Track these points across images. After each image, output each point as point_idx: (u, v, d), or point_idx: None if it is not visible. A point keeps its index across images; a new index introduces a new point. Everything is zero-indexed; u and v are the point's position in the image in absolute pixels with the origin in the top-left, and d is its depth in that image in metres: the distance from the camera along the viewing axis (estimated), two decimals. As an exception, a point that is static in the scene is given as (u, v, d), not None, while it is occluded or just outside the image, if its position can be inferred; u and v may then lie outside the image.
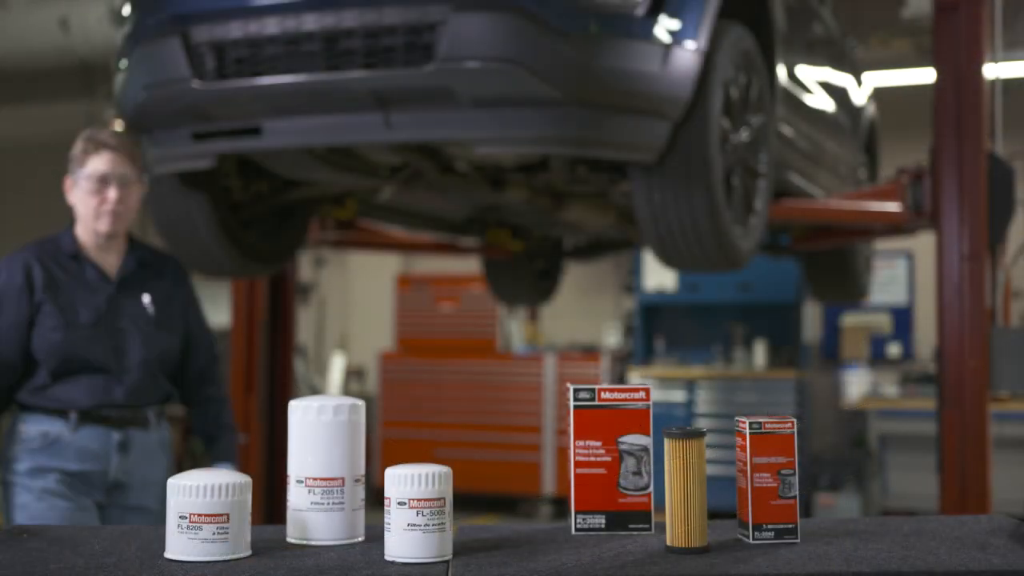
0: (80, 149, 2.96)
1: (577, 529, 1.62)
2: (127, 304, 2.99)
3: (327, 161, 3.71)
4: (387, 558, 1.43)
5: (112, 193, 2.92)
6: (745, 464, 1.56)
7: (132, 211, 3.00)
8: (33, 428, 2.88)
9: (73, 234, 3.01)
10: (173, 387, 3.14)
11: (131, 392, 2.95)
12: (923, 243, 6.72)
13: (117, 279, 3.00)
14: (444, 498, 1.44)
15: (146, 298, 3.02)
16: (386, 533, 1.44)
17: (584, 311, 10.24)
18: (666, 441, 1.50)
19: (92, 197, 2.93)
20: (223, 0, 3.24)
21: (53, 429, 2.88)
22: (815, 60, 4.67)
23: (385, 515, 1.44)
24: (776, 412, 3.18)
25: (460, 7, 2.93)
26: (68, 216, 3.06)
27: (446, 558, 1.43)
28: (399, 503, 1.43)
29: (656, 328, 9.26)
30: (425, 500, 1.42)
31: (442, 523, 1.43)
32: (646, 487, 1.62)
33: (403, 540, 1.42)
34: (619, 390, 1.63)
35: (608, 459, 1.62)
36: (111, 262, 3.01)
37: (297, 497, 1.53)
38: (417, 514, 1.42)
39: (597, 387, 1.63)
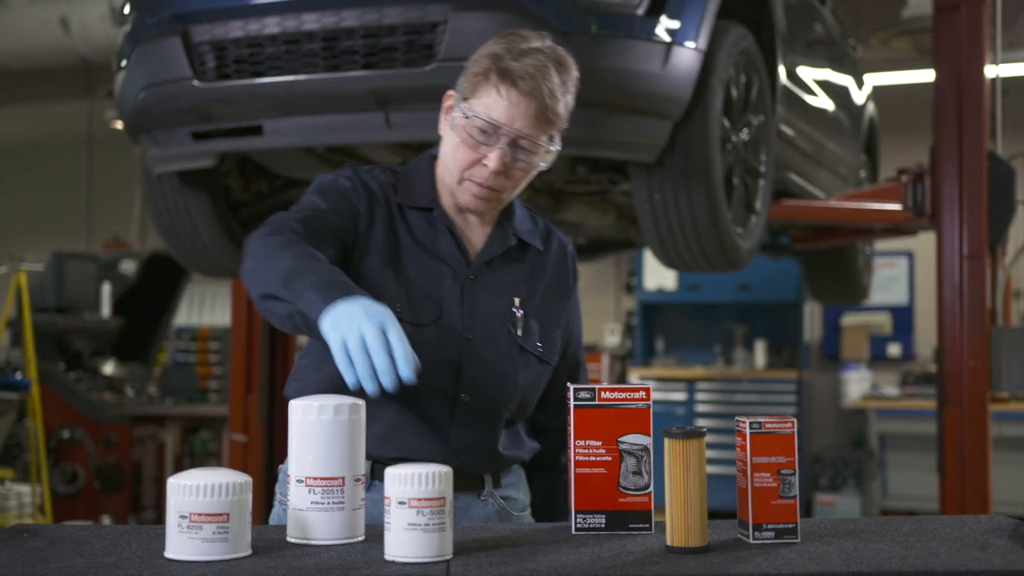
0: (481, 67, 1.83)
1: (577, 529, 1.62)
2: (485, 301, 1.90)
3: (327, 161, 3.71)
4: (387, 557, 1.43)
5: (493, 158, 1.81)
6: (745, 464, 1.56)
7: (518, 188, 1.90)
8: None
9: (433, 174, 1.95)
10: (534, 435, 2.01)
11: (463, 445, 1.86)
12: (923, 243, 6.72)
13: (479, 261, 1.92)
14: (444, 498, 1.44)
15: (515, 299, 1.93)
16: (386, 533, 1.44)
17: (584, 311, 10.21)
18: (666, 441, 1.50)
19: (465, 149, 1.84)
20: (223, 0, 3.24)
21: None
22: (815, 60, 4.67)
23: (385, 515, 1.44)
24: (776, 412, 3.19)
25: (461, 6, 2.94)
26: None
27: (446, 558, 1.43)
28: (399, 503, 1.43)
29: (656, 328, 9.26)
30: (425, 500, 1.42)
31: (442, 523, 1.43)
32: (646, 487, 1.62)
33: (403, 540, 1.42)
34: (619, 390, 1.63)
35: (608, 459, 1.62)
36: (476, 232, 1.94)
37: (297, 497, 1.53)
38: (417, 513, 1.42)
39: (597, 387, 1.63)
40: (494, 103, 1.80)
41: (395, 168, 1.98)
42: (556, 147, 1.87)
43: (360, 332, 1.50)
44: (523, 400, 1.93)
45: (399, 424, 1.84)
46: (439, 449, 1.84)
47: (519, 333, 1.91)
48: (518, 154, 1.83)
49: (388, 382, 1.48)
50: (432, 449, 1.83)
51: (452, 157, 1.87)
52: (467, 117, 1.82)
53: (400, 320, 1.75)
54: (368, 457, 1.68)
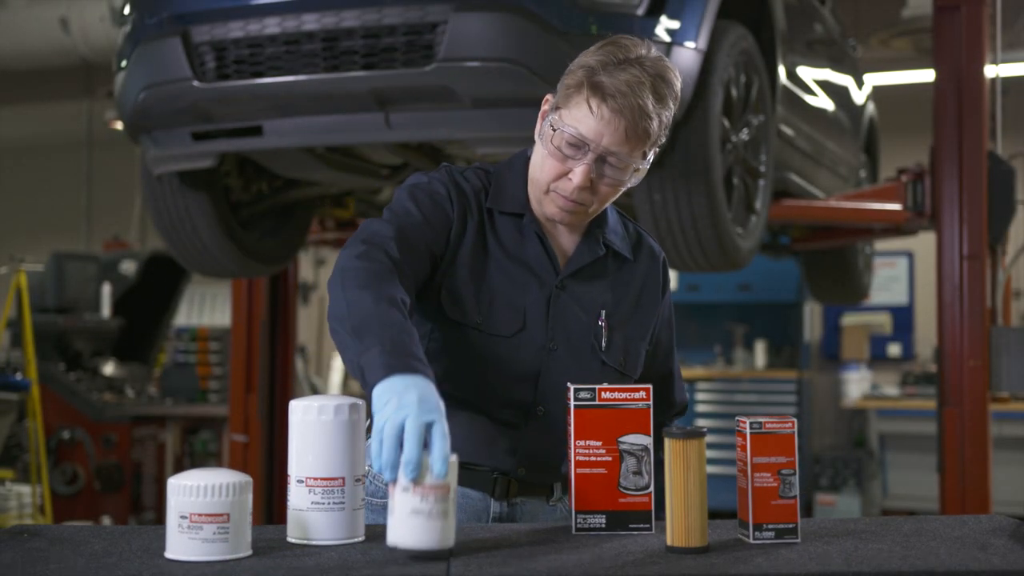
0: (575, 79, 1.77)
1: (577, 529, 1.62)
2: (571, 313, 1.87)
3: (327, 161, 3.71)
4: (389, 543, 1.42)
5: (578, 173, 1.76)
6: (745, 464, 1.56)
7: (605, 202, 1.85)
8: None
9: (525, 177, 1.89)
10: None
11: (533, 457, 1.85)
12: (923, 243, 6.72)
13: (567, 271, 1.88)
14: (449, 485, 1.43)
15: (602, 311, 1.89)
16: (389, 518, 1.42)
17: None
18: (666, 441, 1.50)
19: (552, 161, 1.79)
20: (223, 0, 3.24)
21: None
22: (815, 60, 4.67)
23: (389, 500, 1.43)
24: (776, 412, 3.19)
25: (461, 7, 2.94)
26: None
27: (448, 546, 1.42)
28: (403, 489, 1.41)
29: (656, 328, 9.25)
30: (429, 486, 1.41)
31: (446, 510, 1.42)
32: (646, 487, 1.62)
33: (407, 526, 1.40)
34: (619, 390, 1.63)
35: (608, 459, 1.62)
36: (566, 239, 1.90)
37: (297, 497, 1.53)
38: (421, 500, 1.40)
39: (597, 387, 1.63)
40: (584, 118, 1.73)
41: (488, 168, 1.92)
42: (647, 165, 1.81)
43: (401, 422, 1.43)
44: None
45: (470, 432, 1.80)
46: (506, 459, 1.83)
47: (603, 347, 1.86)
48: (605, 170, 1.77)
49: (410, 475, 1.41)
50: (500, 458, 1.83)
51: (540, 167, 1.82)
52: (555, 130, 1.77)
53: (481, 332, 1.80)
54: None
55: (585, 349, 1.85)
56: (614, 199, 1.85)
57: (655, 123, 1.75)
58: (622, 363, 1.89)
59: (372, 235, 1.74)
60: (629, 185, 1.82)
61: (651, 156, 1.81)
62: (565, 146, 1.76)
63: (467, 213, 1.84)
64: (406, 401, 1.44)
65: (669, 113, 1.78)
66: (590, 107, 1.73)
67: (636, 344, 1.91)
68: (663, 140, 1.82)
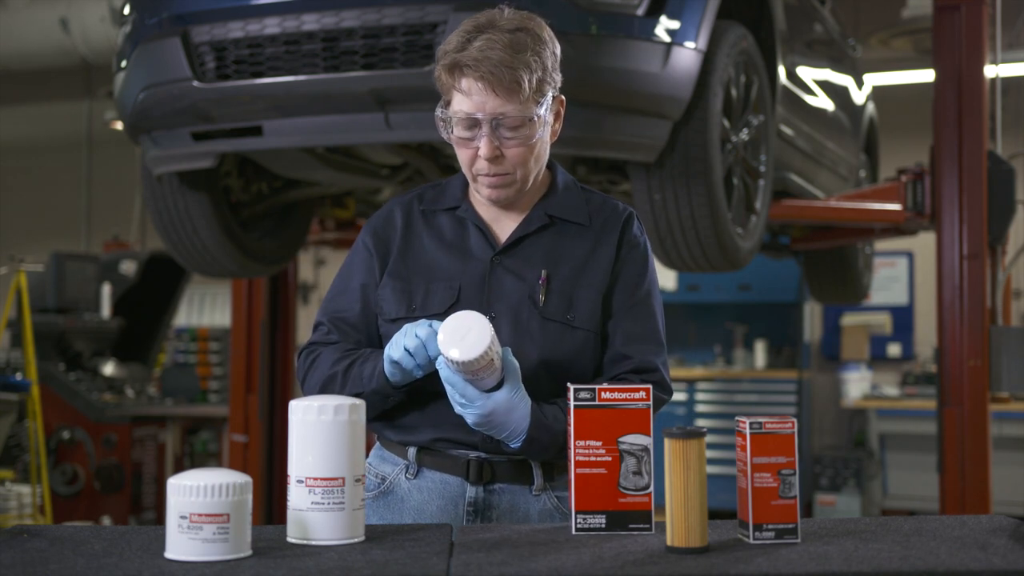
0: (437, 72, 1.86)
1: (577, 529, 1.62)
2: (509, 281, 1.88)
3: (327, 161, 3.71)
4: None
5: (483, 146, 1.82)
6: (745, 464, 1.56)
7: (526, 164, 1.85)
8: (371, 469, 1.95)
9: (465, 179, 1.96)
10: None
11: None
12: (923, 243, 6.72)
13: (505, 244, 1.91)
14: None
15: (542, 272, 1.88)
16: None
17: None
18: (666, 441, 1.50)
19: (461, 149, 1.86)
20: (223, 0, 3.24)
21: (391, 473, 1.92)
22: (815, 60, 4.67)
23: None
24: (776, 412, 3.18)
25: (461, 7, 2.94)
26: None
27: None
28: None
29: (656, 328, 9.24)
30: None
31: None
32: (646, 487, 1.62)
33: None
34: (619, 390, 1.63)
35: (608, 459, 1.62)
36: (511, 223, 1.94)
37: (297, 497, 1.53)
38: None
39: (597, 387, 1.63)
40: (461, 99, 1.81)
41: (439, 182, 2.02)
42: (545, 112, 1.83)
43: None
44: (559, 372, 1.83)
45: (433, 412, 1.84)
46: (471, 433, 1.81)
47: (540, 303, 1.86)
48: (505, 134, 1.81)
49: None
50: (465, 431, 1.81)
51: (460, 160, 1.89)
52: (444, 120, 1.85)
53: (416, 318, 1.83)
54: (416, 441, 1.88)
55: (524, 310, 1.86)
56: (540, 160, 1.88)
57: (523, 72, 1.77)
58: (566, 315, 1.86)
59: (312, 346, 1.95)
60: (543, 136, 1.85)
61: (548, 101, 1.83)
62: (462, 131, 1.83)
63: (390, 233, 1.95)
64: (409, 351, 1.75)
65: (540, 56, 1.81)
66: (459, 87, 1.80)
67: (583, 293, 1.89)
68: (555, 81, 1.85)
